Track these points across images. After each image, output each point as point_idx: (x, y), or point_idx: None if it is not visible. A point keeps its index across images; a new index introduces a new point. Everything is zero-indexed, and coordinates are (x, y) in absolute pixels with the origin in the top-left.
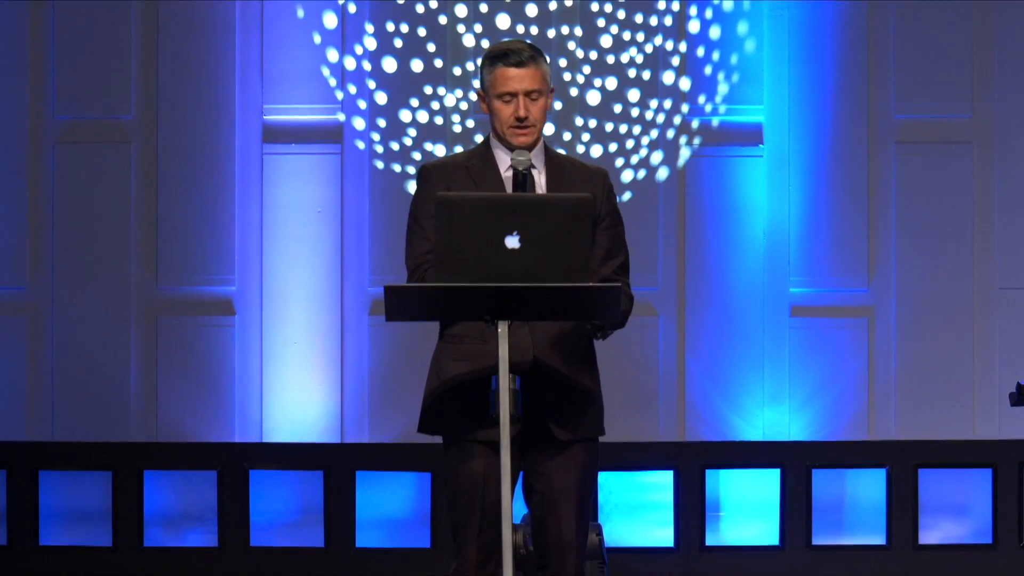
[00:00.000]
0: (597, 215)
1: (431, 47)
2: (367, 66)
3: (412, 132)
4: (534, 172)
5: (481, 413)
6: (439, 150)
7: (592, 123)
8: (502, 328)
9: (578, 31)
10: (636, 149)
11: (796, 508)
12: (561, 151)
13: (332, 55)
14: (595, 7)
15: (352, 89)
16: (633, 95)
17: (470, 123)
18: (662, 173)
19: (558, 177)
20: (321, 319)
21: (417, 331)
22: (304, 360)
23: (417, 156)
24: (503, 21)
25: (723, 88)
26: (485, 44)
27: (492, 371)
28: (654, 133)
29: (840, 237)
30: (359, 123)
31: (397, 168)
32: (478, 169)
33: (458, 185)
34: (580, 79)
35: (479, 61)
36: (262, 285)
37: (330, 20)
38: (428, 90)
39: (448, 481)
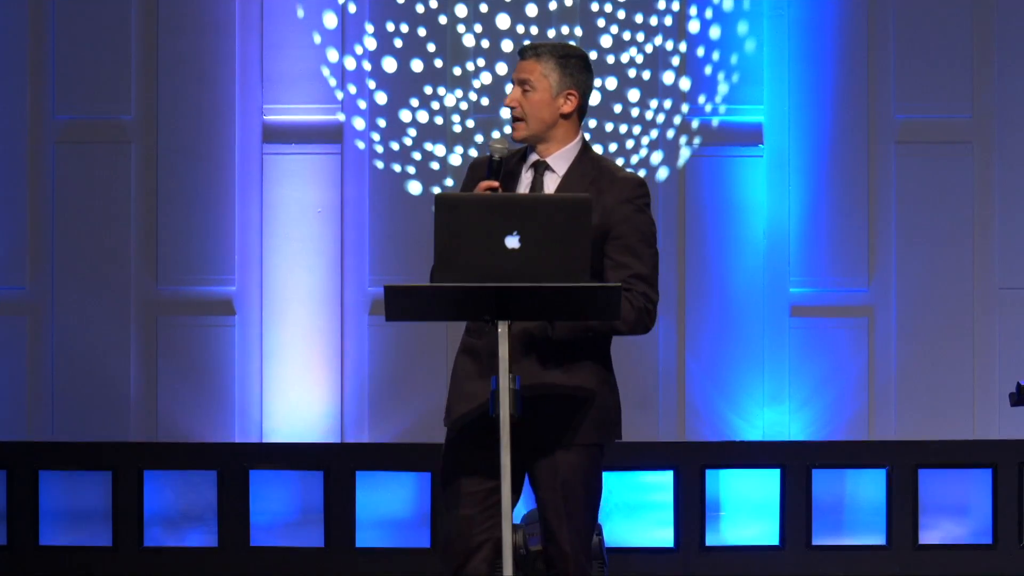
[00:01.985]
0: (607, 223)
1: (431, 47)
2: (367, 66)
3: (412, 132)
4: (548, 174)
5: (465, 406)
6: (439, 150)
7: (592, 123)
8: (502, 328)
9: (578, 31)
10: (636, 149)
11: (796, 508)
12: (605, 157)
13: (332, 55)
14: (595, 7)
15: (352, 89)
16: (633, 95)
17: (470, 123)
18: (662, 173)
19: (574, 182)
20: (321, 319)
21: (417, 331)
22: (304, 360)
23: (417, 156)
24: (503, 21)
25: (723, 88)
26: (485, 44)
27: (483, 366)
28: (654, 133)
29: (840, 237)
30: (359, 123)
31: (397, 168)
32: (510, 163)
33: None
34: None
35: (479, 61)
36: (262, 285)
37: (330, 20)
38: (428, 90)
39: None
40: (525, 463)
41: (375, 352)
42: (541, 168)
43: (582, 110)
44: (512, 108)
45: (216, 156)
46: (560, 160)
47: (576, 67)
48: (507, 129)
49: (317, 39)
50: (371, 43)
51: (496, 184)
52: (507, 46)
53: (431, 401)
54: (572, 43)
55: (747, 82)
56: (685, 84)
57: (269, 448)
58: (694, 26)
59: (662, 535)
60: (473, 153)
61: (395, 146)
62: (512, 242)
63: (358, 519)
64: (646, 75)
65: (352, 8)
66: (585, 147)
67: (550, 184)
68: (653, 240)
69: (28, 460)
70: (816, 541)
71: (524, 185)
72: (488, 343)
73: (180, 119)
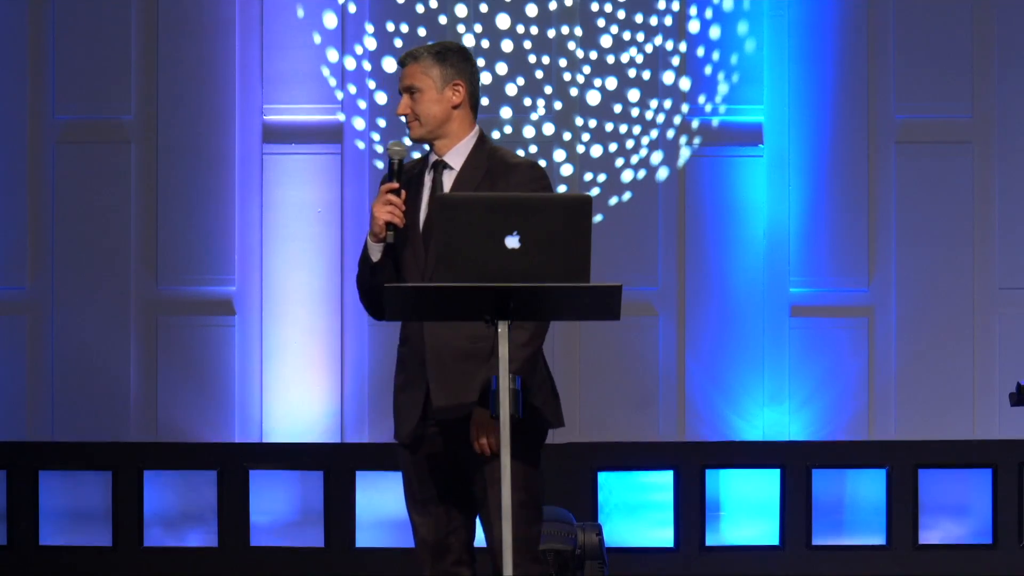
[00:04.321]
0: None
1: None
2: (367, 66)
3: None
4: (446, 172)
5: (400, 418)
6: None
7: (592, 123)
8: (502, 328)
9: (578, 31)
10: (636, 149)
11: (796, 508)
12: (503, 147)
13: (332, 55)
14: (595, 7)
15: (352, 89)
16: (633, 95)
17: None
18: (662, 173)
19: (469, 175)
20: (321, 319)
21: None
22: (304, 360)
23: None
24: (503, 21)
25: (723, 88)
26: (485, 44)
27: (408, 375)
28: (654, 133)
29: (840, 237)
30: (359, 123)
31: None
32: (415, 170)
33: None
34: (580, 79)
35: (480, 61)
36: (262, 285)
37: (330, 20)
38: None
39: None
40: (464, 468)
41: (375, 352)
42: (440, 167)
43: (473, 100)
44: (405, 116)
45: (216, 156)
46: (456, 156)
47: (455, 59)
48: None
49: (317, 39)
50: (371, 43)
51: (396, 185)
52: (507, 46)
53: None
54: (571, 42)
55: (747, 82)
56: (685, 84)
57: (269, 448)
58: (694, 26)
59: (662, 535)
60: None
61: None
62: (512, 242)
63: (358, 519)
64: (646, 75)
65: (352, 8)
66: (481, 139)
67: (447, 181)
68: None
69: (28, 460)
70: (816, 541)
71: (426, 187)
72: (410, 350)
73: (180, 119)
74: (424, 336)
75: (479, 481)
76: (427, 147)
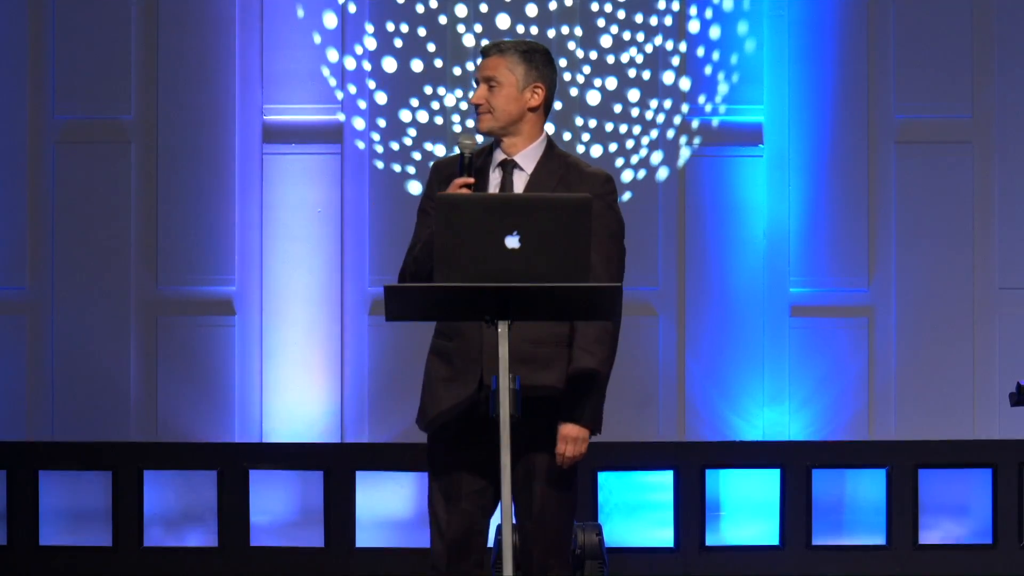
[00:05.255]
0: None
1: (431, 47)
2: (367, 66)
3: (412, 132)
4: (517, 173)
5: (441, 409)
6: (439, 150)
7: (592, 123)
8: (502, 328)
9: (578, 31)
10: (636, 149)
11: (796, 508)
12: (572, 154)
13: (332, 55)
14: (595, 7)
15: (352, 89)
16: (633, 95)
17: (470, 123)
18: (662, 173)
19: (543, 179)
20: (321, 319)
21: (417, 331)
22: (304, 360)
23: (417, 156)
24: (503, 21)
25: (723, 88)
26: (485, 44)
27: (455, 369)
28: (654, 133)
29: (840, 237)
30: (359, 123)
31: (397, 168)
32: (478, 161)
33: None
34: (580, 79)
35: (480, 62)
36: (262, 285)
37: (330, 20)
38: (428, 90)
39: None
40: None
41: (375, 352)
42: (509, 167)
43: (548, 104)
44: (478, 105)
45: (216, 156)
46: (527, 158)
47: (541, 61)
48: (469, 123)
49: (317, 39)
50: (371, 43)
51: (471, 180)
52: None
53: None
54: (571, 42)
55: (747, 82)
56: (685, 84)
57: (269, 448)
58: (694, 26)
59: (662, 535)
60: None
61: (395, 146)
62: (512, 242)
63: (358, 519)
64: (646, 75)
65: (352, 8)
66: (551, 143)
67: (519, 182)
68: (621, 236)
69: (28, 460)
70: (816, 541)
71: (493, 185)
72: (459, 346)
73: (180, 119)
74: (482, 332)
75: (539, 484)
76: (486, 138)
